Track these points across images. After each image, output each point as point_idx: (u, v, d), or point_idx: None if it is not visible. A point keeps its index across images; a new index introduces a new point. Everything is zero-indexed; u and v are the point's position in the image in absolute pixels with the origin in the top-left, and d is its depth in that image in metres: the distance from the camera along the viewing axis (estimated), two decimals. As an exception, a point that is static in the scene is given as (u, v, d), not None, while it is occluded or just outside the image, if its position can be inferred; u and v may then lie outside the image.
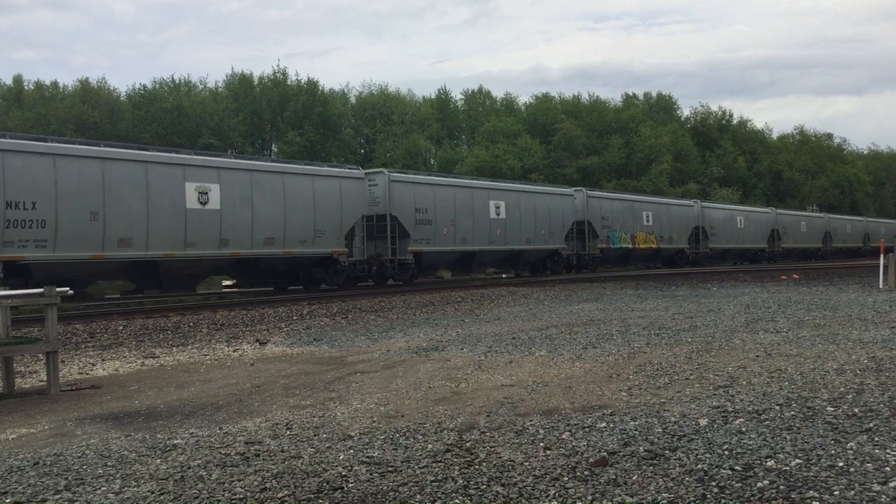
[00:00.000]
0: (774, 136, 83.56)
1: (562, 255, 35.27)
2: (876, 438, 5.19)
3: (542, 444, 5.46)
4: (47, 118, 45.76)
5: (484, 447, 5.45)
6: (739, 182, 68.92)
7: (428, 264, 29.69)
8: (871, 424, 5.55)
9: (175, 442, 6.05)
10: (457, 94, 66.49)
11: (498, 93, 72.85)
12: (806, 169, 76.52)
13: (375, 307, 18.95)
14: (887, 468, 4.55)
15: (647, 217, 41.42)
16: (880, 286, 20.48)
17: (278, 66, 75.15)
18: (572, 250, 36.19)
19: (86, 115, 45.93)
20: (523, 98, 69.07)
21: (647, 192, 50.76)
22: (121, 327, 15.31)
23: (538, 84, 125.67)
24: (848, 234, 63.61)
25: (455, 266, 32.43)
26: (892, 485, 4.28)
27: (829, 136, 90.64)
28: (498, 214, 31.52)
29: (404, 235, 27.10)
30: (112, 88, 51.96)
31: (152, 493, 4.76)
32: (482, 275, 34.75)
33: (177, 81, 53.75)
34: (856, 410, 5.97)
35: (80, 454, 5.80)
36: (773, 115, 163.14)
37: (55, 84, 51.90)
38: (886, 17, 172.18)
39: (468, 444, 5.56)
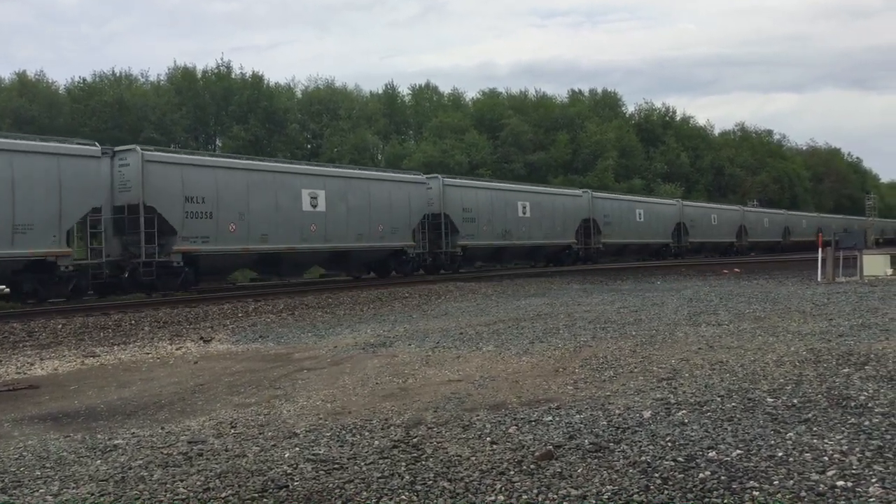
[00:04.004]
0: (716, 132, 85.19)
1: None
2: (814, 428, 5.30)
3: (488, 438, 5.47)
4: (-17, 112, 44.54)
5: (431, 443, 5.44)
6: (682, 178, 70.00)
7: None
8: (810, 415, 5.67)
9: (116, 442, 5.94)
10: (405, 90, 66.46)
11: (447, 88, 72.92)
12: (747, 165, 78.05)
13: (322, 303, 18.83)
14: (825, 457, 4.65)
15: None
16: (818, 279, 20.98)
17: (222, 59, 74.41)
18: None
19: (23, 108, 44.73)
20: (471, 94, 69.27)
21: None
22: (60, 326, 14.96)
23: (487, 80, 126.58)
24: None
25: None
26: (829, 474, 4.37)
27: (770, 132, 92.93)
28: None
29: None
30: (51, 81, 50.78)
31: (92, 494, 4.66)
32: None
33: (118, 74, 52.70)
34: (795, 401, 6.10)
35: (17, 456, 5.66)
36: (717, 112, 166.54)
37: (-9, 77, 50.58)
38: (827, 15, 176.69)
39: (415, 439, 5.55)
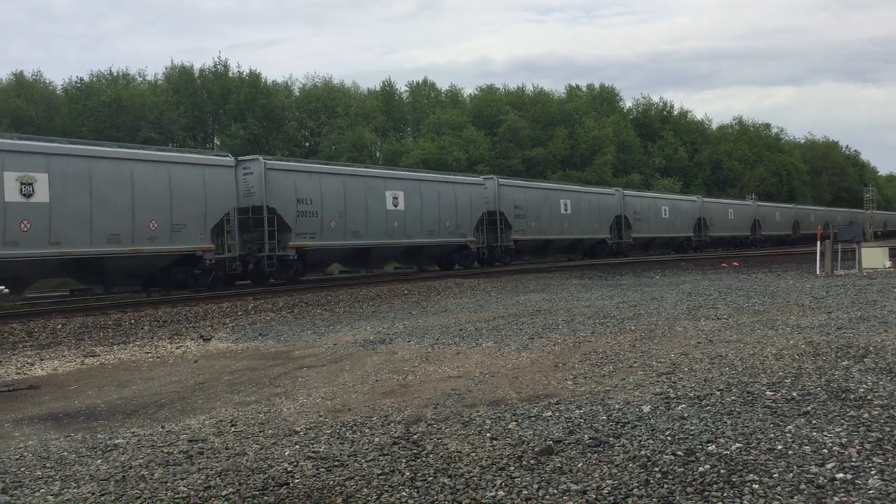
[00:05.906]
0: (714, 126, 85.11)
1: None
2: (813, 421, 5.31)
3: (488, 434, 5.48)
4: (-19, 113, 44.45)
5: (431, 439, 5.45)
6: (680, 172, 69.97)
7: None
8: (809, 408, 5.67)
9: (116, 441, 5.94)
10: (402, 87, 66.37)
11: (444, 85, 72.91)
12: (744, 158, 77.99)
13: (322, 301, 18.83)
14: (825, 450, 4.66)
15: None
16: (817, 272, 20.99)
17: (219, 57, 74.27)
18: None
19: (21, 109, 44.66)
20: (468, 90, 69.14)
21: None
22: (60, 326, 14.97)
23: (484, 76, 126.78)
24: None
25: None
26: (829, 466, 4.38)
27: (767, 125, 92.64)
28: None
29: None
30: (48, 82, 50.73)
31: (93, 494, 4.67)
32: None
33: (115, 74, 52.63)
34: (794, 394, 6.10)
35: (17, 456, 5.66)
36: (714, 106, 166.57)
37: (-13, 78, 50.44)
38: (823, 7, 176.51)
39: (415, 436, 5.56)
